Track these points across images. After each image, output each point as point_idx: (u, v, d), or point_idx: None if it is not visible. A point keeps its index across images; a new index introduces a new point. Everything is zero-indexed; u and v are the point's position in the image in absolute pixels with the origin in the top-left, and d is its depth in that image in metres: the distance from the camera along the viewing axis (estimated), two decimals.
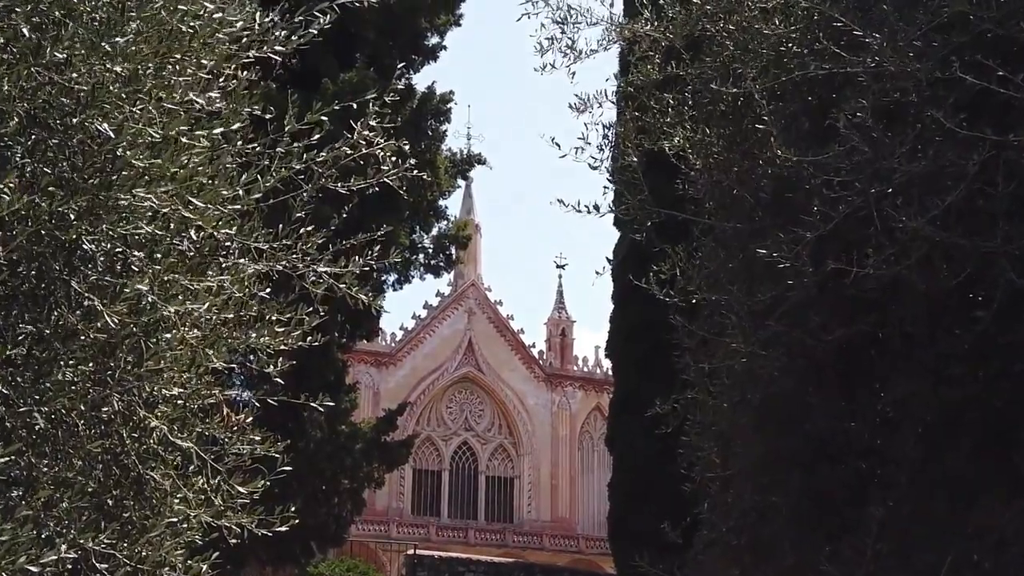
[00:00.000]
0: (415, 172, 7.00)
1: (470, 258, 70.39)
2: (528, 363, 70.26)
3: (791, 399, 7.73)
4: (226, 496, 7.15)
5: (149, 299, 5.88)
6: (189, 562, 7.06)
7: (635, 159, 8.47)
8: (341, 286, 7.11)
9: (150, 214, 6.37)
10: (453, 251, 24.78)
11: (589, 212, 8.44)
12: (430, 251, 24.17)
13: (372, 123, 6.83)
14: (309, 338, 7.61)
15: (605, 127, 8.98)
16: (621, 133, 8.91)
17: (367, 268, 7.16)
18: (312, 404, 7.43)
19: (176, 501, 6.47)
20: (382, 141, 6.92)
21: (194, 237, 6.87)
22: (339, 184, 7.15)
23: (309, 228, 7.41)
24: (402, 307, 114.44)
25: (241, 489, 6.68)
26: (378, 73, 19.93)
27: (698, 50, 9.66)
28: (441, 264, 24.58)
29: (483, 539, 63.99)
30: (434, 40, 22.97)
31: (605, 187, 8.75)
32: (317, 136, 6.67)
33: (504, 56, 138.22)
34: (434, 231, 24.29)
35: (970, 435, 7.11)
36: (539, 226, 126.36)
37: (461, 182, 25.75)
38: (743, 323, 7.62)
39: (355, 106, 7.15)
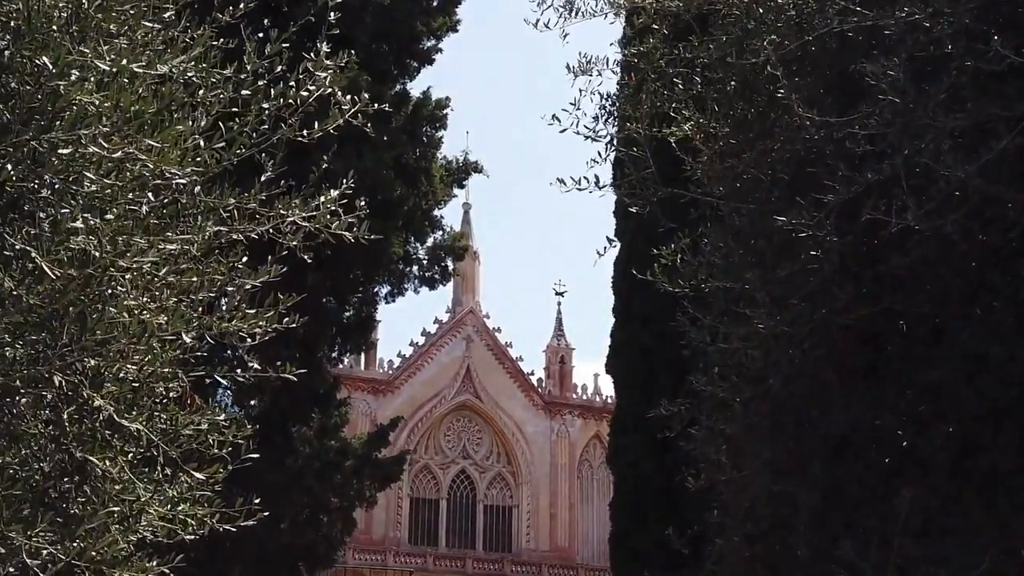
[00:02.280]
0: (375, 107, 6.33)
1: (468, 285, 69.87)
2: (527, 391, 69.51)
3: (812, 389, 7.05)
4: (184, 487, 6.43)
5: (95, 252, 5.18)
6: (149, 563, 6.30)
7: (641, 130, 7.79)
8: (316, 227, 6.40)
9: (97, 162, 5.69)
10: (449, 263, 23.99)
11: (590, 189, 7.75)
12: (425, 262, 23.41)
13: (327, 60, 6.18)
14: (286, 319, 6.94)
15: (603, 97, 8.33)
16: (623, 105, 8.24)
17: (343, 200, 6.43)
18: (284, 375, 6.71)
19: (118, 488, 5.71)
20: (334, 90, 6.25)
21: (151, 198, 6.20)
22: (304, 133, 6.47)
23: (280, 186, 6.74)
24: (400, 335, 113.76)
25: (198, 475, 5.94)
26: (372, 76, 19.31)
27: (704, 28, 9.07)
28: (436, 276, 23.79)
29: (481, 569, 63.13)
30: (430, 43, 22.34)
31: (600, 153, 8.05)
32: (280, 67, 6.02)
33: (504, 65, 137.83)
34: (429, 242, 23.56)
35: (1014, 426, 6.41)
36: (538, 253, 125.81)
37: (458, 191, 25.00)
38: (762, 304, 6.91)
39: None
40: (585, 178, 7.78)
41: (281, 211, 6.75)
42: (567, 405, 69.83)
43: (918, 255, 6.53)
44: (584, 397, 70.66)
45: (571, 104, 8.27)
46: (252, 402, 20.94)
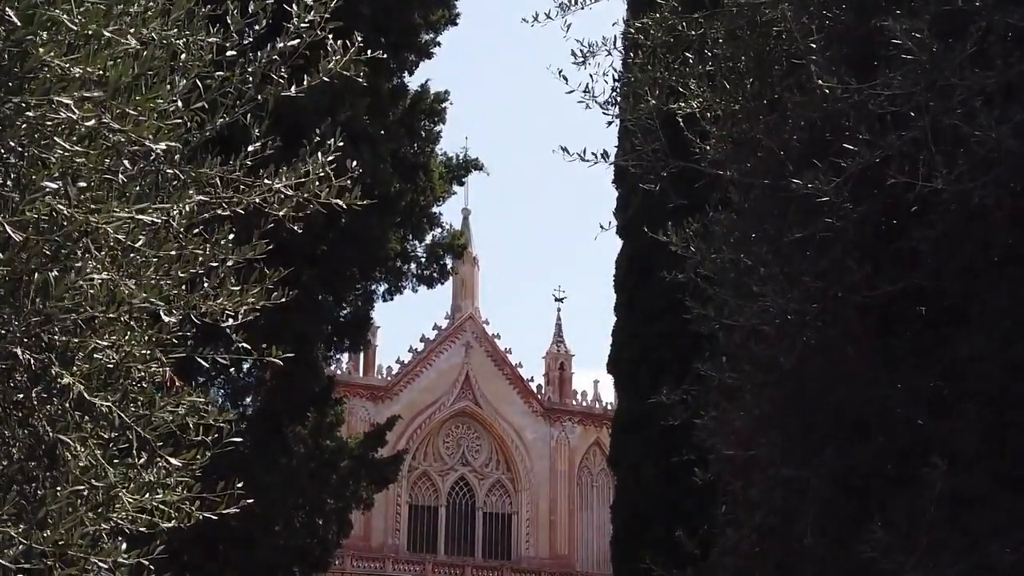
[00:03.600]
0: (369, 54, 5.96)
1: (468, 291, 69.59)
2: (526, 397, 69.19)
3: (825, 371, 6.66)
4: (161, 473, 6.02)
5: (64, 212, 4.79)
6: (121, 549, 5.87)
7: (652, 101, 7.40)
8: (305, 196, 6.00)
9: (68, 127, 5.31)
10: (448, 261, 23.51)
11: (595, 161, 7.37)
12: (423, 260, 22.93)
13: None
14: (275, 294, 6.55)
15: (612, 71, 7.97)
16: (632, 79, 7.87)
17: (331, 164, 6.03)
18: (271, 359, 6.30)
19: (81, 469, 5.29)
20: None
21: (128, 167, 5.81)
22: (292, 89, 6.08)
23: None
24: (399, 341, 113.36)
25: (174, 461, 5.53)
26: (368, 67, 18.83)
27: (714, 1, 8.75)
28: (435, 275, 23.29)
29: None
30: (428, 37, 21.88)
31: (610, 123, 7.68)
32: (264, 23, 5.65)
33: (505, 64, 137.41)
34: (428, 239, 23.06)
35: None
36: (538, 259, 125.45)
37: (457, 188, 24.52)
38: (774, 280, 6.52)
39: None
40: (594, 154, 7.40)
41: (267, 181, 6.37)
42: (567, 412, 69.51)
43: (942, 228, 6.15)
44: (584, 404, 70.35)
45: (572, 88, 7.93)
46: (246, 401, 20.56)
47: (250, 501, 6.13)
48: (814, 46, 7.35)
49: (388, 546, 62.88)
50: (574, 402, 70.30)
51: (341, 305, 21.40)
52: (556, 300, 74.08)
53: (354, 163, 6.17)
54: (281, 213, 6.43)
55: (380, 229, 20.01)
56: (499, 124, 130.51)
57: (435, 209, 22.74)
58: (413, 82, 22.19)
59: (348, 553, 57.57)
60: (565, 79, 7.62)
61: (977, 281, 6.41)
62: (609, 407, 66.53)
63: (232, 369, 19.39)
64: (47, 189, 4.74)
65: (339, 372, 37.09)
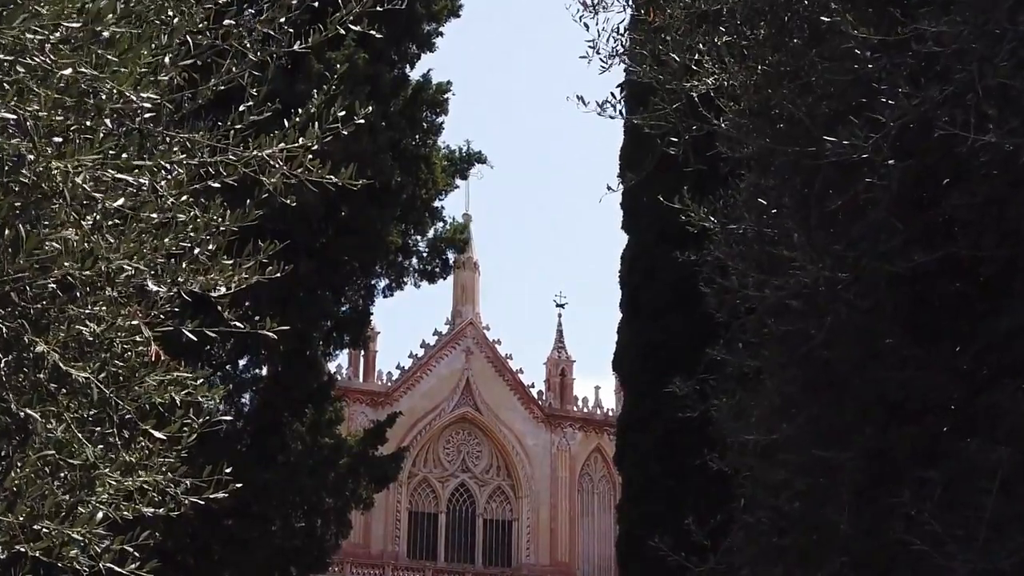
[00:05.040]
0: (379, 6, 5.56)
1: (468, 296, 69.21)
2: (527, 403, 68.72)
3: (857, 346, 6.23)
4: (145, 453, 5.58)
5: (29, 156, 4.35)
6: (106, 542, 5.42)
7: (676, 57, 6.97)
8: (296, 171, 5.58)
9: (42, 76, 4.87)
10: (450, 255, 23.05)
11: (608, 113, 6.95)
12: (425, 255, 22.47)
13: None
14: (269, 268, 6.16)
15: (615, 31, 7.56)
16: (644, 37, 7.45)
17: (326, 137, 5.63)
18: (262, 332, 5.89)
19: (55, 444, 4.84)
20: None
21: (109, 125, 5.38)
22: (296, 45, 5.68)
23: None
24: (399, 348, 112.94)
25: (157, 434, 5.08)
26: (369, 55, 18.50)
27: None
28: (437, 269, 22.83)
29: None
30: (430, 27, 21.45)
31: (620, 86, 7.25)
32: None
33: (507, 62, 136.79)
34: (430, 233, 22.59)
35: None
36: (539, 265, 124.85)
37: (460, 182, 24.00)
38: (803, 248, 6.09)
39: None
40: (610, 103, 6.96)
41: (256, 151, 5.97)
42: (568, 418, 69.06)
43: (984, 193, 5.72)
44: (585, 410, 69.88)
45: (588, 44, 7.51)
46: (244, 398, 20.11)
47: (239, 486, 5.71)
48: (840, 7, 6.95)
49: (388, 553, 62.39)
50: (575, 408, 69.83)
51: (340, 300, 20.99)
52: (557, 306, 73.60)
53: (362, 111, 5.74)
54: (273, 180, 6.04)
55: (380, 222, 19.60)
56: (500, 129, 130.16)
57: (437, 203, 22.35)
58: (414, 74, 21.81)
59: (347, 560, 57.11)
60: (586, 26, 7.20)
61: (1020, 250, 5.98)
62: (610, 413, 66.10)
63: (229, 366, 19.01)
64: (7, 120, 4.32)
65: (339, 377, 36.63)
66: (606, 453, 65.05)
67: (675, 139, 7.28)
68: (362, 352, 62.63)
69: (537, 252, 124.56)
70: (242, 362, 19.95)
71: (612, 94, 7.40)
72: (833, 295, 6.16)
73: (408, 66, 21.48)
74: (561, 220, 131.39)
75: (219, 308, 6.14)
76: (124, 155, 5.26)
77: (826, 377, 6.56)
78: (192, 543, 17.45)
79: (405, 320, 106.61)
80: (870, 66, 6.25)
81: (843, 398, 6.48)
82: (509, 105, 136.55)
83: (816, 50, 6.89)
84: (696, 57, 7.83)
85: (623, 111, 7.15)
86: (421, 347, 68.35)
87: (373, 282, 21.86)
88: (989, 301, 6.19)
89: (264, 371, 20.11)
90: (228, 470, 5.51)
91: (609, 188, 8.18)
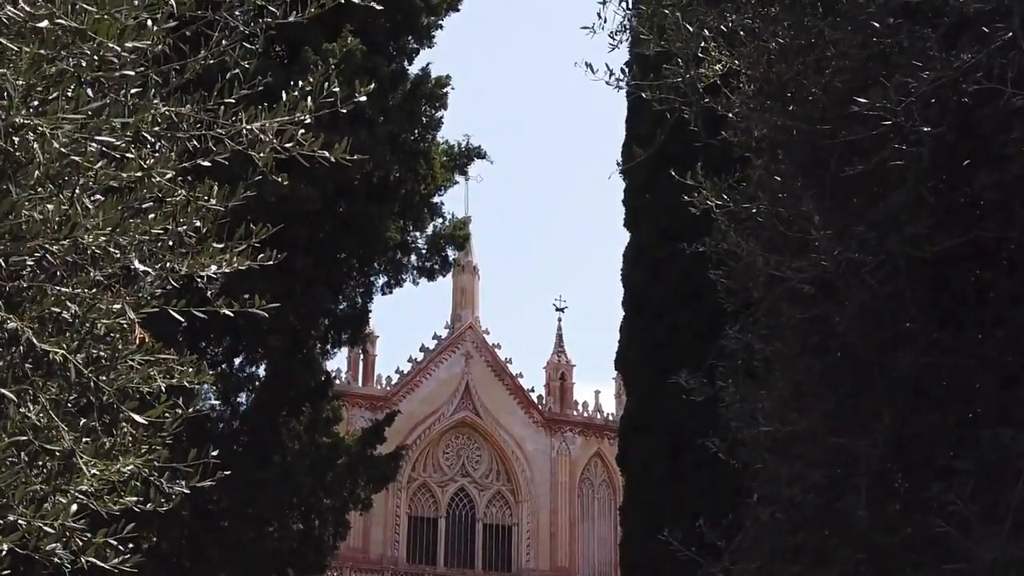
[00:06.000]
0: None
1: (468, 300, 69.02)
2: (527, 407, 68.48)
3: (878, 332, 5.95)
4: (127, 439, 5.28)
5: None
6: (87, 534, 5.11)
7: (689, 27, 6.69)
8: (287, 145, 5.29)
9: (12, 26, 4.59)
10: (450, 252, 22.76)
11: (619, 83, 6.66)
12: (424, 251, 22.18)
13: None
14: (261, 255, 5.89)
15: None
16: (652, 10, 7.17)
17: (323, 110, 5.35)
18: (253, 310, 5.62)
19: (31, 428, 4.55)
20: None
21: (91, 95, 5.09)
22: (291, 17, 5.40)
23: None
24: (399, 352, 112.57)
25: (139, 418, 4.79)
26: (368, 47, 18.23)
27: None
28: (436, 267, 22.54)
29: None
30: (429, 19, 21.16)
31: (627, 63, 6.95)
32: None
33: (507, 62, 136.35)
34: (429, 229, 22.30)
35: None
36: (539, 269, 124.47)
37: (460, 178, 23.68)
38: (822, 228, 5.79)
39: None
40: (621, 69, 6.66)
41: (246, 125, 5.69)
42: (568, 422, 68.82)
43: (1015, 170, 5.43)
44: (585, 414, 69.65)
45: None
46: (240, 397, 19.84)
47: (227, 473, 5.42)
48: None
49: (387, 558, 62.13)
50: (575, 412, 69.59)
51: (339, 298, 20.72)
52: (557, 310, 73.46)
53: (365, 87, 5.45)
54: (262, 155, 5.76)
55: (379, 217, 19.33)
56: (499, 127, 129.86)
57: (436, 199, 22.07)
58: (413, 69, 21.55)
59: (346, 564, 56.84)
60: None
61: None
62: (611, 418, 65.87)
63: (224, 365, 18.74)
64: None
65: (338, 381, 36.27)
66: (606, 457, 64.84)
67: (686, 108, 7.01)
68: (361, 356, 62.55)
69: (537, 256, 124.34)
70: (237, 360, 19.74)
71: (622, 69, 7.13)
72: (857, 279, 5.87)
73: (407, 60, 21.23)
74: (561, 224, 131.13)
75: (207, 292, 5.87)
76: (104, 115, 4.98)
77: (845, 364, 6.28)
78: (187, 545, 17.19)
79: (404, 324, 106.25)
80: (889, 38, 5.96)
81: (862, 386, 6.21)
82: (509, 102, 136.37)
83: (830, 19, 6.61)
84: (703, 44, 7.58)
85: (630, 80, 6.86)
86: (420, 351, 68.13)
87: (372, 279, 21.59)
88: (1017, 287, 5.91)
89: (261, 370, 19.88)
90: (214, 453, 5.22)
91: (618, 163, 7.87)
